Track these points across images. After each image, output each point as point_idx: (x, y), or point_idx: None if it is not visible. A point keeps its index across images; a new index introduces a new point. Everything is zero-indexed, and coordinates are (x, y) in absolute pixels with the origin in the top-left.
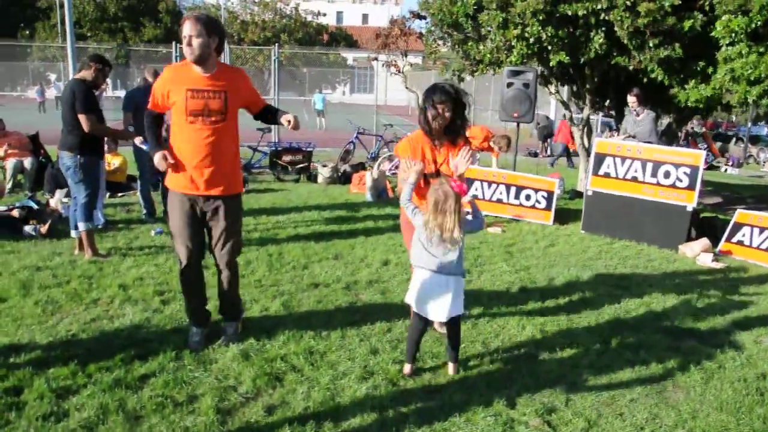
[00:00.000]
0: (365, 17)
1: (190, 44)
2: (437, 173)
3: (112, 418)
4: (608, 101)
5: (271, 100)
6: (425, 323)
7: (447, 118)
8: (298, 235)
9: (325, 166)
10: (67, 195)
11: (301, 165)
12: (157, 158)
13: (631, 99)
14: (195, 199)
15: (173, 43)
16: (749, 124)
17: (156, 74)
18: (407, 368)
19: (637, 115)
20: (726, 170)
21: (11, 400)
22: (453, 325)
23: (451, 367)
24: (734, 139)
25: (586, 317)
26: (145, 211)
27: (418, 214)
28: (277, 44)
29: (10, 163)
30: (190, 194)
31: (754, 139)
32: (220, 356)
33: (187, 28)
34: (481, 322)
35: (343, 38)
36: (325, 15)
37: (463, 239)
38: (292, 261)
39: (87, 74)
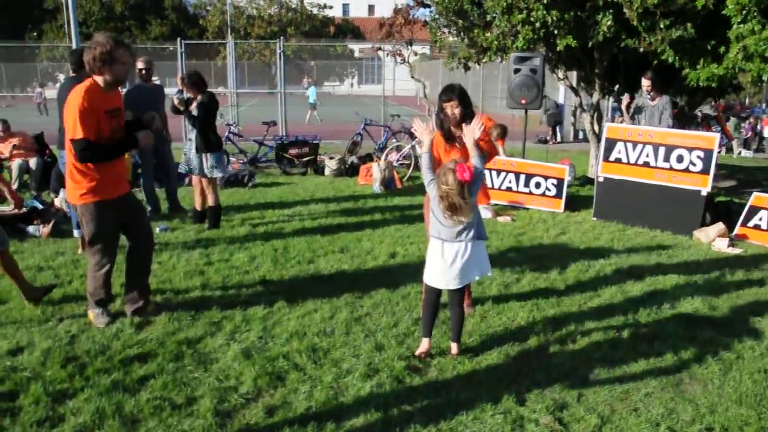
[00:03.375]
0: (371, 8)
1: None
2: (449, 136)
3: (108, 422)
4: (617, 86)
5: (278, 93)
6: (438, 297)
7: (458, 114)
8: (304, 228)
9: (332, 158)
10: None
11: (308, 158)
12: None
13: (645, 82)
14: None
15: (178, 39)
16: (763, 105)
17: (150, 63)
18: (425, 342)
19: (652, 99)
20: (740, 153)
21: (6, 405)
22: (457, 297)
23: (453, 347)
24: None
25: (599, 308)
26: (149, 208)
27: (433, 185)
28: (282, 37)
29: (15, 164)
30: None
31: None
32: (221, 355)
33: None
34: (490, 314)
35: (349, 30)
36: (331, 7)
37: (474, 205)
38: (297, 255)
39: (83, 72)
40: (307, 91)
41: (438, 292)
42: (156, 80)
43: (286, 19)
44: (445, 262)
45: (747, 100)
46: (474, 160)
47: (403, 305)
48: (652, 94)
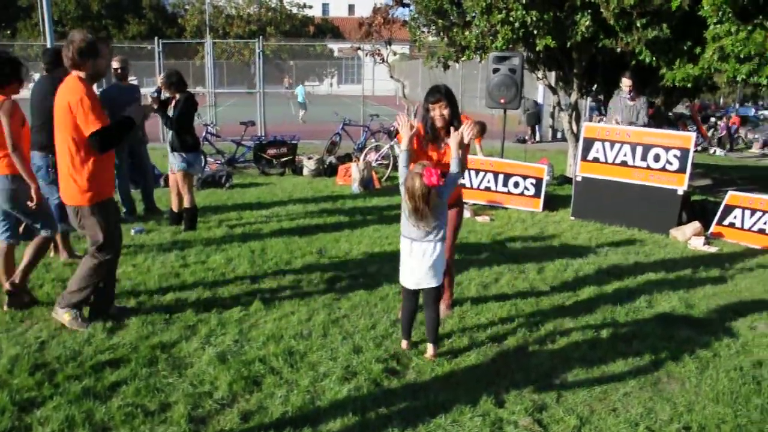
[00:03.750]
0: (351, 8)
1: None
2: (434, 137)
3: (77, 431)
4: (595, 86)
5: (257, 93)
6: (415, 300)
7: (446, 114)
8: (281, 229)
9: (310, 158)
10: None
11: (286, 158)
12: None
13: (626, 82)
14: None
15: (156, 38)
16: (737, 105)
17: (125, 62)
18: (404, 344)
19: (631, 99)
20: (714, 152)
21: None
22: (431, 297)
23: (429, 348)
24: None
25: (578, 307)
26: (124, 209)
27: (404, 170)
28: (261, 37)
29: None
30: None
31: (742, 120)
32: (196, 360)
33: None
34: (468, 315)
35: (329, 30)
36: (311, 7)
37: (444, 207)
38: (274, 257)
39: (59, 70)
40: (295, 91)
41: (415, 293)
42: (133, 80)
43: (266, 19)
44: (413, 261)
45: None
46: (453, 163)
47: (381, 307)
48: (632, 94)
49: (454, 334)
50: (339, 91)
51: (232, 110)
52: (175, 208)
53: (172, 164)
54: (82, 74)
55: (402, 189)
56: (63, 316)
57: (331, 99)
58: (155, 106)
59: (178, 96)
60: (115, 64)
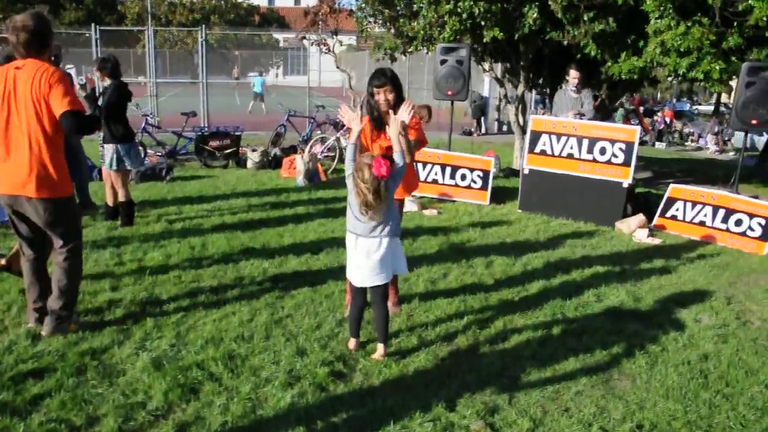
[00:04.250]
0: None
1: None
2: (380, 124)
3: None
4: (542, 79)
5: (200, 83)
6: (363, 298)
7: (390, 99)
8: (223, 224)
9: (254, 150)
10: None
11: (229, 150)
12: None
13: (573, 74)
14: None
15: (93, 25)
16: (674, 100)
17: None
18: (352, 343)
19: (577, 92)
20: (654, 145)
21: None
22: (379, 295)
23: (379, 348)
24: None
25: (527, 302)
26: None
27: (351, 164)
28: (204, 25)
29: None
30: None
31: (678, 115)
32: (129, 367)
33: None
34: (417, 313)
35: (274, 19)
36: None
37: (391, 201)
38: (215, 253)
39: None
40: (253, 81)
41: (362, 290)
42: (71, 68)
43: (209, 7)
44: (359, 257)
45: (659, 95)
46: (396, 155)
47: (327, 305)
48: (578, 86)
49: (402, 333)
50: (285, 82)
51: (175, 101)
52: (110, 203)
53: (104, 156)
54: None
55: (348, 182)
56: (70, 327)
57: (277, 90)
58: (83, 94)
59: (108, 83)
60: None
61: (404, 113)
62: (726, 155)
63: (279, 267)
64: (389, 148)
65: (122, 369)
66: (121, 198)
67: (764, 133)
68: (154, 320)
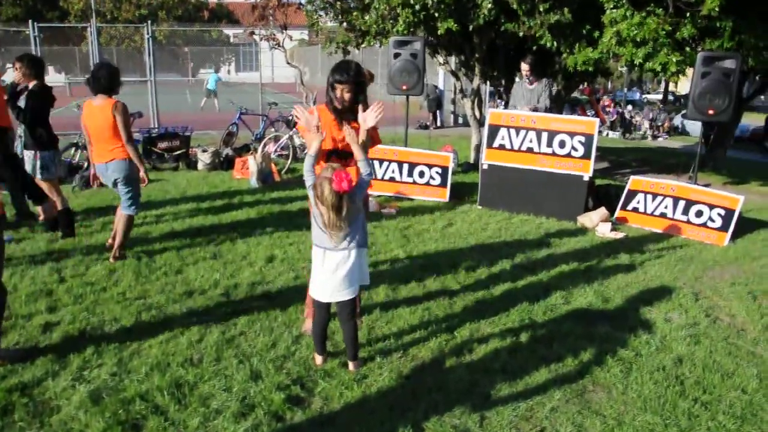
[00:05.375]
0: None
1: None
2: (337, 152)
3: None
4: (496, 71)
5: (148, 81)
6: (327, 313)
7: (347, 99)
8: (173, 232)
9: (205, 151)
10: None
11: (179, 151)
12: None
13: (525, 67)
14: None
15: (30, 22)
16: (625, 90)
17: None
18: (318, 359)
19: (530, 83)
20: (608, 134)
21: None
22: (346, 311)
23: (350, 365)
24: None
25: (494, 308)
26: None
27: (310, 175)
28: (150, 21)
29: None
30: None
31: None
32: (64, 403)
33: None
34: (378, 324)
35: (224, 15)
36: None
37: (359, 211)
38: (163, 265)
39: None
40: (207, 78)
41: (326, 306)
42: (9, 68)
43: (157, 3)
44: (326, 271)
45: (610, 84)
46: (361, 164)
47: (282, 319)
48: (530, 78)
49: (363, 348)
50: (237, 78)
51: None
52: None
53: (26, 164)
54: None
55: (310, 194)
56: None
57: (229, 87)
58: (5, 97)
59: (31, 85)
60: None
61: (372, 119)
62: (658, 141)
63: (231, 278)
64: (344, 141)
65: (56, 406)
66: (59, 206)
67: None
68: (95, 345)
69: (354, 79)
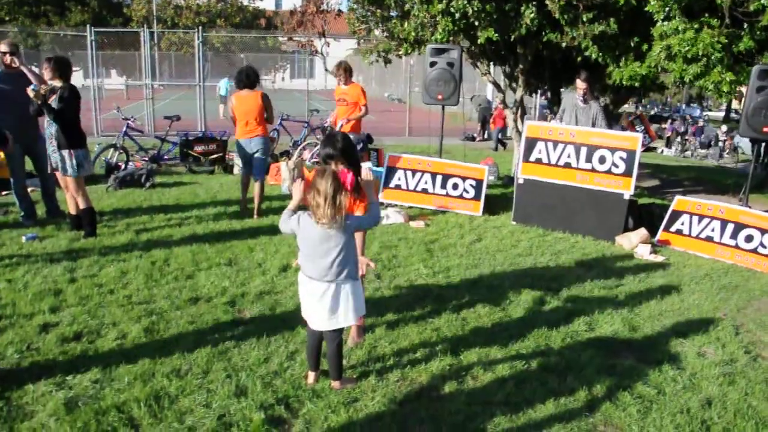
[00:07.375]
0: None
1: None
2: None
3: None
4: (545, 83)
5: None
6: (318, 333)
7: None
8: (193, 236)
9: None
10: None
11: (215, 155)
12: None
13: (581, 85)
14: None
15: (88, 27)
16: (683, 106)
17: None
18: (311, 377)
19: (584, 102)
20: (662, 151)
21: None
22: (332, 338)
23: (334, 384)
24: (669, 120)
25: (508, 331)
26: (22, 213)
27: (287, 221)
28: (200, 27)
29: None
30: None
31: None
32: (39, 409)
33: None
34: (381, 344)
35: (281, 23)
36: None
37: (345, 237)
38: (176, 270)
39: None
40: (218, 84)
41: (319, 331)
42: (77, 70)
43: (215, 10)
44: (312, 300)
45: (668, 100)
46: (373, 206)
47: (282, 332)
48: (585, 96)
49: (360, 367)
50: (291, 85)
51: (176, 104)
52: (72, 211)
53: (57, 163)
54: None
55: (286, 223)
56: None
57: (282, 93)
58: (39, 101)
59: (60, 86)
60: (2, 48)
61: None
62: (688, 159)
63: (241, 286)
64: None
65: (30, 411)
66: (81, 205)
67: None
68: (85, 348)
69: (342, 152)
